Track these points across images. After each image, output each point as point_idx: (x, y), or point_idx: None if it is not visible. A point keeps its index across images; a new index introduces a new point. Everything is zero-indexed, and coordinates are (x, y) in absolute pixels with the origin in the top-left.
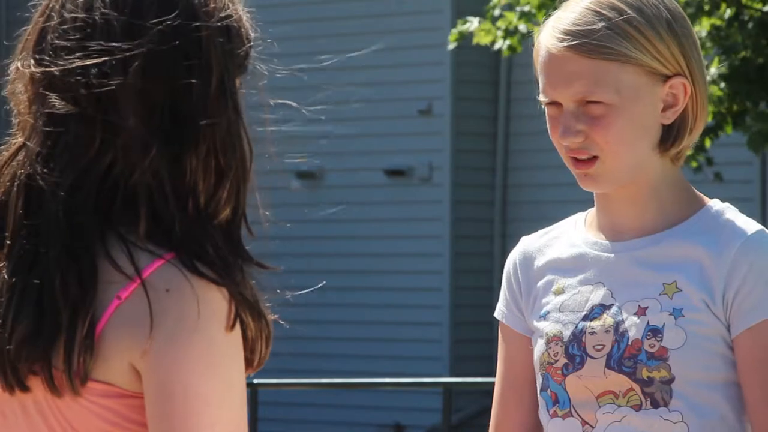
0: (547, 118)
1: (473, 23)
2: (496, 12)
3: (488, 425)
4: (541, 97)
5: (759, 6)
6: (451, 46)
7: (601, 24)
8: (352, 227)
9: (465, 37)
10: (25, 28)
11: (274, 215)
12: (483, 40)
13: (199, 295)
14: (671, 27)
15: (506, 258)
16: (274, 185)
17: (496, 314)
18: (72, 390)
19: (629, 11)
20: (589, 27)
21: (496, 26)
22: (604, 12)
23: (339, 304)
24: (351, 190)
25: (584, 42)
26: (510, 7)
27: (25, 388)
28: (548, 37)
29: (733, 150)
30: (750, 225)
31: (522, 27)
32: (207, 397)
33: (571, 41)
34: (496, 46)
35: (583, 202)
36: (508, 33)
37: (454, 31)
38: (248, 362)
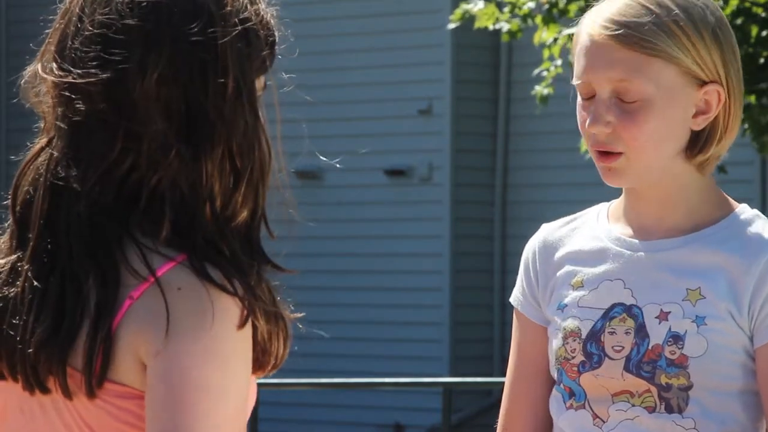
0: (578, 108)
1: (478, 4)
2: None
3: (488, 425)
4: (576, 81)
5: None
6: (452, 25)
7: (648, 19)
8: (352, 227)
9: (467, 19)
10: (42, 30)
11: (287, 215)
12: (485, 23)
13: (212, 295)
14: (715, 34)
15: (506, 258)
16: (275, 185)
17: (512, 300)
18: (88, 392)
19: (676, 10)
20: (636, 19)
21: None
22: (651, 7)
23: (339, 304)
24: (351, 190)
25: (629, 33)
26: None
27: (45, 390)
28: (591, 24)
29: (733, 150)
30: None
31: (531, 4)
32: (206, 385)
33: (616, 30)
34: (498, 26)
35: (584, 202)
36: (514, 11)
37: (457, 10)
38: (261, 363)
